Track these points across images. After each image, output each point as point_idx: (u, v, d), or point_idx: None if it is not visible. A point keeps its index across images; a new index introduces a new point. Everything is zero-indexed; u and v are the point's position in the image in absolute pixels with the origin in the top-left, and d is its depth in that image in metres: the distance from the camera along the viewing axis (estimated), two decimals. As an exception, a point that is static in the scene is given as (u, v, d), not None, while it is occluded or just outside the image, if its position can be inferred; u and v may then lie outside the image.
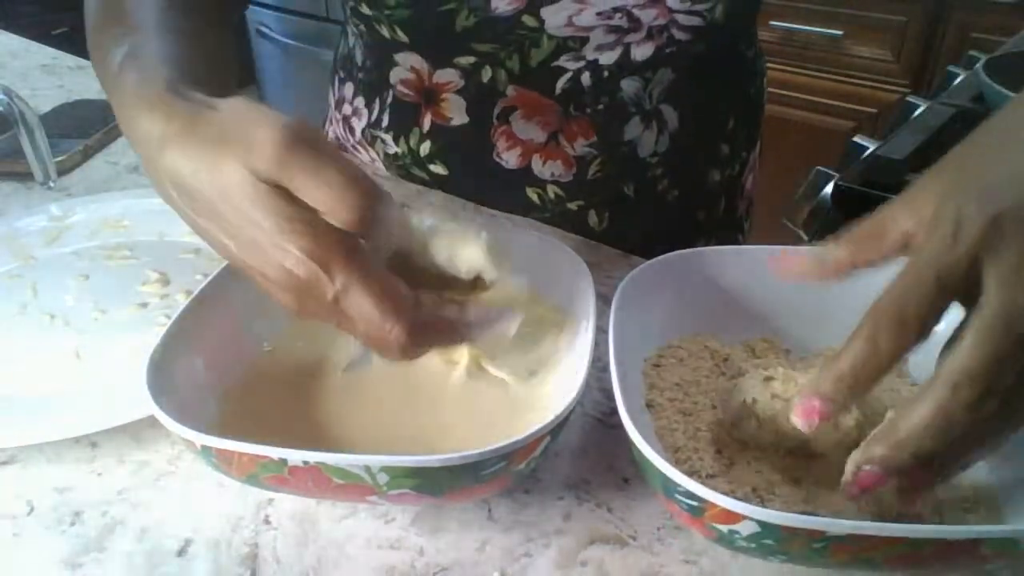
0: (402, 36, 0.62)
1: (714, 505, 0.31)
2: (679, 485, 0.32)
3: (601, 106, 0.62)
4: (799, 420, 0.32)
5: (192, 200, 0.34)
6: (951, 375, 0.28)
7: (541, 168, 0.65)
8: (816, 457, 0.39)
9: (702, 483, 0.31)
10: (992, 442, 0.29)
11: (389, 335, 0.33)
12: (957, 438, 0.29)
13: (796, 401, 0.32)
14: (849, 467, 0.31)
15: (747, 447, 0.40)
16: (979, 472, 0.39)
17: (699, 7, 0.57)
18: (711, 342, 0.47)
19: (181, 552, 0.39)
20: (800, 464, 0.40)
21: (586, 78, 0.61)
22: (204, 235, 0.35)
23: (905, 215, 0.32)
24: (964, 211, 0.29)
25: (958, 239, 0.28)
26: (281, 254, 0.32)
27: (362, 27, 0.66)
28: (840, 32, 1.67)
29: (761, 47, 0.74)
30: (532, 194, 0.67)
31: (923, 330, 0.29)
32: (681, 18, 0.58)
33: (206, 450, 0.34)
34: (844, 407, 0.31)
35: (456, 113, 0.65)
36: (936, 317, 0.29)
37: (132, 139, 0.38)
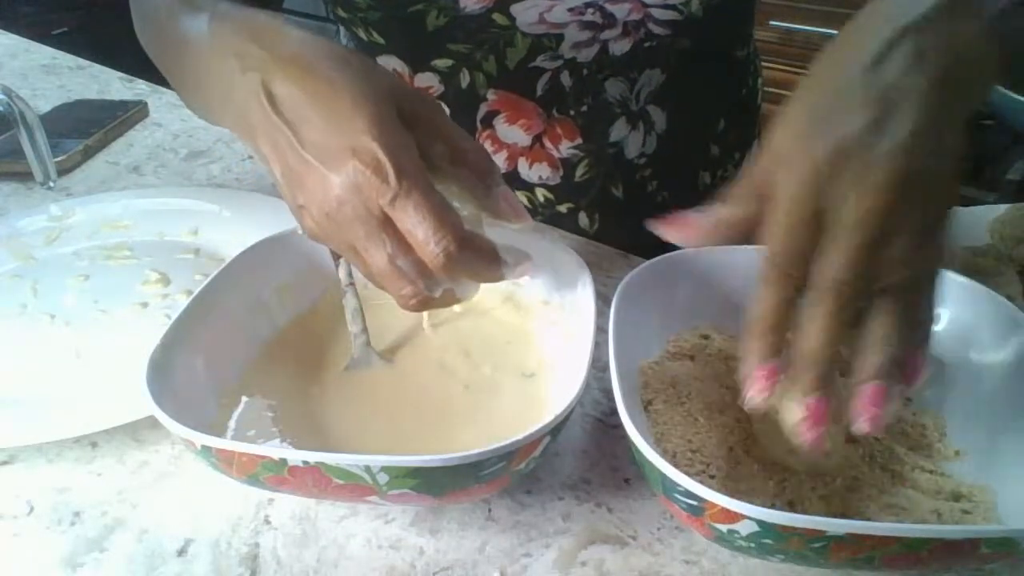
0: (378, 38, 0.62)
1: (714, 504, 0.31)
2: (679, 485, 0.32)
3: (584, 107, 0.62)
4: (752, 394, 0.33)
5: (281, 104, 0.36)
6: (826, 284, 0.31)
7: (528, 171, 0.65)
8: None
9: (701, 482, 0.31)
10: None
11: (438, 246, 0.34)
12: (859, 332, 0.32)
13: (743, 383, 0.33)
14: (796, 412, 0.33)
15: (749, 447, 0.40)
16: (978, 472, 0.39)
17: (673, 0, 0.57)
18: (713, 338, 0.47)
19: (181, 552, 0.39)
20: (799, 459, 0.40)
21: (566, 78, 0.61)
22: (272, 137, 0.37)
23: (750, 186, 0.35)
24: (800, 152, 0.32)
25: (803, 177, 0.32)
26: (356, 149, 0.34)
27: (344, 30, 0.66)
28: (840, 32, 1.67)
29: (758, 48, 0.73)
30: (522, 197, 0.67)
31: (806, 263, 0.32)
32: (656, 12, 0.57)
33: (206, 450, 0.34)
34: (779, 357, 0.33)
35: None
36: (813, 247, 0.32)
37: (228, 68, 0.39)
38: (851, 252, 0.31)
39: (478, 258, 0.36)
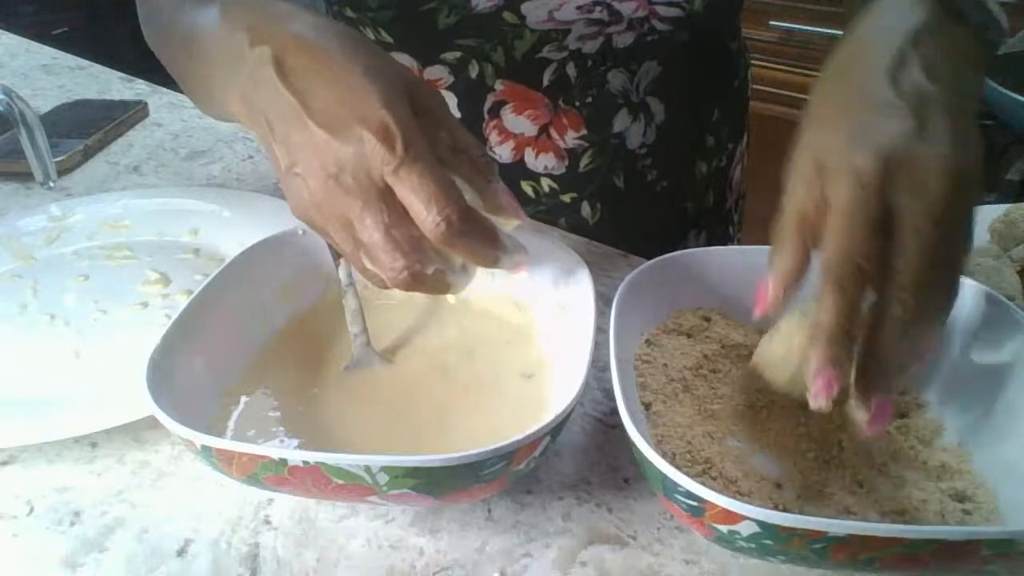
0: (387, 37, 0.63)
1: (714, 505, 0.31)
2: (679, 485, 0.32)
3: (589, 99, 0.63)
4: (819, 400, 0.32)
5: (291, 74, 0.36)
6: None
7: (534, 161, 0.66)
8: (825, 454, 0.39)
9: (702, 483, 0.31)
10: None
11: (440, 215, 0.34)
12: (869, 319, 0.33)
13: (808, 384, 0.33)
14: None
15: (750, 445, 0.40)
16: (978, 472, 0.39)
17: None
18: (716, 324, 0.48)
19: (181, 552, 0.39)
20: (800, 460, 0.40)
21: (571, 69, 0.62)
22: (278, 106, 0.36)
23: (803, 198, 0.35)
24: (856, 159, 0.33)
25: (864, 182, 0.33)
26: (366, 118, 0.34)
27: None
28: (840, 32, 1.67)
29: (745, 42, 0.75)
30: (526, 187, 0.68)
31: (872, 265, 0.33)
32: (661, 10, 0.59)
33: (206, 450, 0.34)
34: (848, 363, 0.33)
35: None
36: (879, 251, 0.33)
37: (236, 43, 0.39)
38: (927, 251, 0.32)
39: (477, 234, 0.36)
